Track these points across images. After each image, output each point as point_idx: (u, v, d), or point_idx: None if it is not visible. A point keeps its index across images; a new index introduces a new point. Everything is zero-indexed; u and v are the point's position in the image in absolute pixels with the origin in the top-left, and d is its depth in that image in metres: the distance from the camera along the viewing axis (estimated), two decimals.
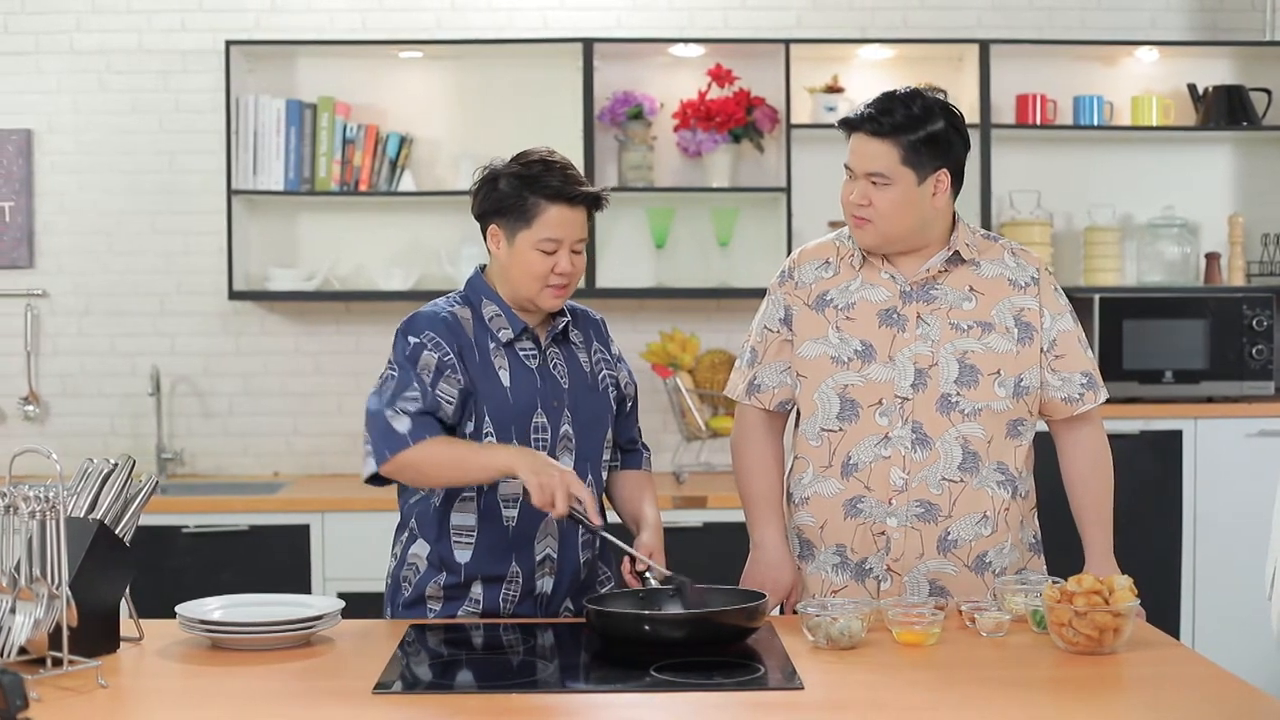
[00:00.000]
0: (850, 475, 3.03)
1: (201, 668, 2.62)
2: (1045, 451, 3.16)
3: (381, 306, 5.42)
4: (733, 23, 5.56)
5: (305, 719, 2.34)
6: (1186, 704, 2.38)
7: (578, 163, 5.21)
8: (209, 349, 5.52)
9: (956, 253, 3.06)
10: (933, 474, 3.00)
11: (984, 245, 3.12)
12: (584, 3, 5.54)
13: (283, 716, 2.35)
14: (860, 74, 5.48)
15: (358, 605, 4.42)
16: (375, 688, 2.46)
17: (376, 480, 2.96)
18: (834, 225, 4.88)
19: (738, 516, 3.27)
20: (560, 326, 3.09)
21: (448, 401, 2.94)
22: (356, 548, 4.82)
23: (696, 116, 5.39)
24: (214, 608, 2.82)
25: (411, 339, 2.97)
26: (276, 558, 4.87)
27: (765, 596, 2.81)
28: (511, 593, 3.03)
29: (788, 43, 5.34)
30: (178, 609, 2.78)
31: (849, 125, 3.03)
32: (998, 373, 3.01)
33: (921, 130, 2.97)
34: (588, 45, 5.32)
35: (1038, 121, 5.47)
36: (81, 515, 2.68)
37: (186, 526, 4.88)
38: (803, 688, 2.44)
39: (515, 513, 3.00)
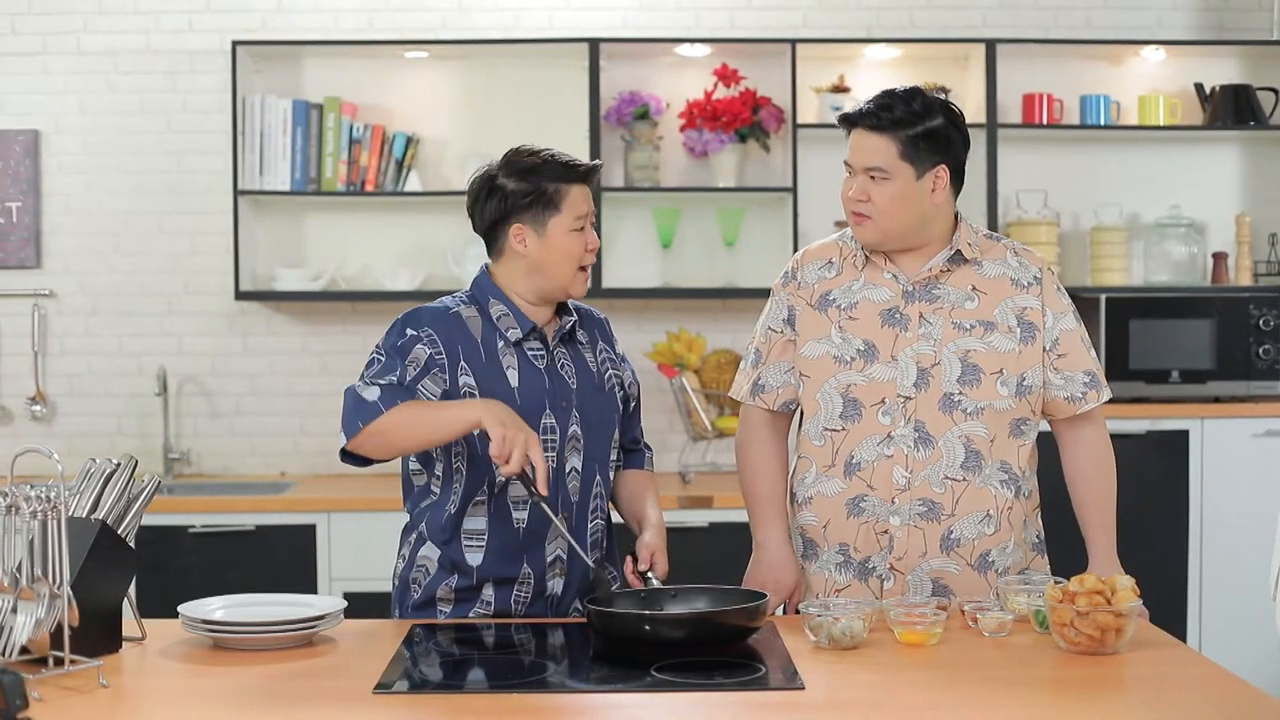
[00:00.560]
0: (853, 474, 3.03)
1: (203, 667, 2.62)
2: (1049, 451, 3.16)
3: (388, 306, 5.42)
4: (739, 22, 5.56)
5: (306, 719, 2.34)
6: (1188, 705, 2.37)
7: None
8: (216, 349, 5.53)
9: (959, 252, 3.06)
10: (935, 473, 3.00)
11: (986, 245, 3.12)
12: (590, 3, 5.54)
13: (284, 716, 2.35)
14: (866, 74, 5.48)
15: (364, 605, 4.43)
16: (376, 688, 2.46)
17: (356, 460, 2.94)
18: (840, 225, 4.88)
19: (743, 517, 3.27)
20: (567, 326, 3.09)
21: (429, 399, 2.94)
22: (363, 548, 4.83)
23: (703, 116, 5.39)
24: (216, 607, 2.82)
25: (409, 331, 2.97)
26: (283, 558, 4.88)
27: (766, 597, 2.80)
28: (523, 594, 3.03)
29: (794, 42, 5.33)
30: (180, 609, 2.79)
31: (848, 121, 3.05)
32: (1000, 372, 3.01)
33: (920, 126, 2.98)
34: (594, 45, 5.32)
35: (1044, 121, 5.46)
36: (84, 515, 2.69)
37: (193, 526, 4.88)
38: (804, 688, 2.44)
39: (525, 515, 3.00)
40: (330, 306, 5.51)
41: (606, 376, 3.13)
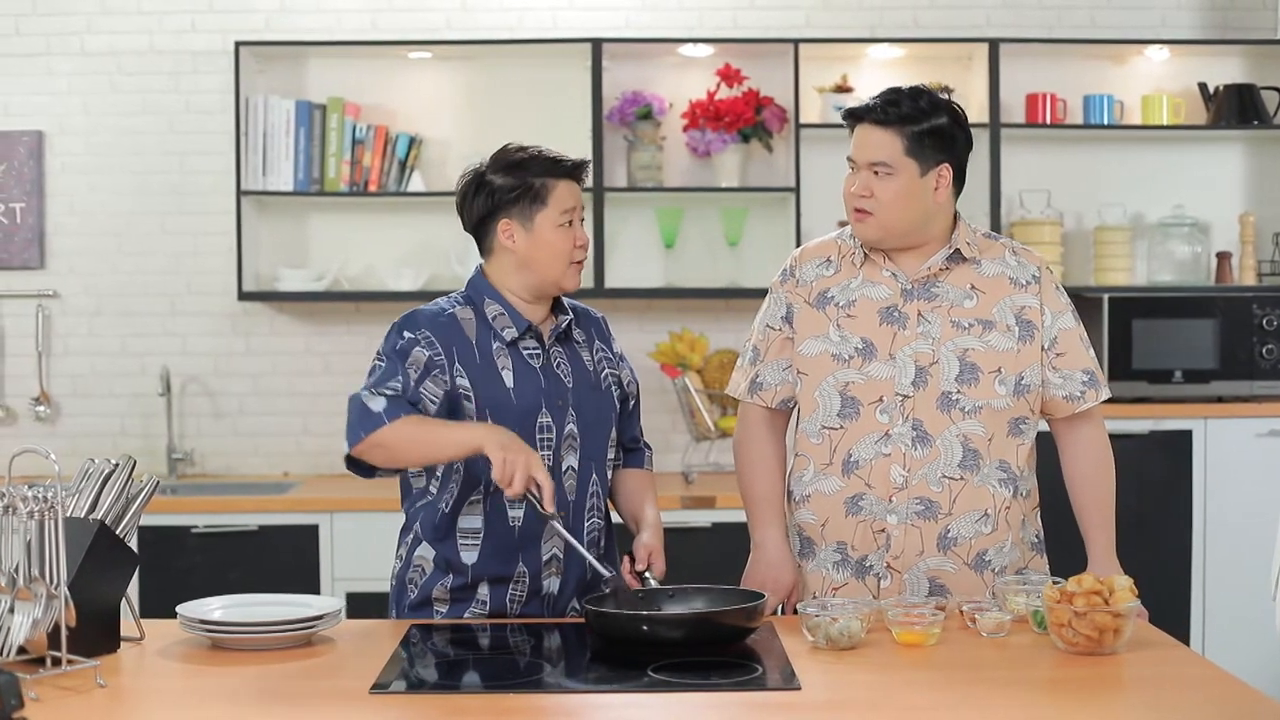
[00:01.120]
0: (851, 473, 3.03)
1: (201, 668, 2.62)
2: (1048, 451, 3.15)
3: (391, 307, 5.40)
4: (742, 22, 5.56)
5: (303, 719, 2.34)
6: (1187, 705, 2.36)
7: None
8: (219, 349, 5.54)
9: (957, 251, 3.06)
10: (933, 471, 2.99)
11: (985, 244, 3.12)
12: (593, 3, 5.54)
13: (281, 717, 2.35)
14: (869, 73, 5.47)
15: (366, 605, 4.45)
16: (373, 688, 2.46)
17: (360, 469, 2.96)
18: (843, 225, 4.87)
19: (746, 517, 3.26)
20: (563, 325, 3.09)
21: (431, 401, 2.94)
22: (365, 548, 4.83)
23: (705, 116, 5.38)
24: (215, 608, 2.82)
25: (406, 334, 2.98)
26: (285, 558, 4.88)
27: (764, 597, 2.80)
28: (518, 593, 3.03)
29: (797, 42, 5.33)
30: (178, 609, 2.79)
31: (854, 116, 3.05)
32: (998, 371, 3.01)
33: (926, 123, 2.99)
34: (597, 45, 5.32)
35: (1048, 121, 5.45)
36: (82, 515, 2.69)
37: (196, 527, 4.88)
38: (800, 688, 2.44)
39: (521, 514, 3.00)
40: (333, 307, 5.52)
41: (603, 375, 3.13)
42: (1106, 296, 5.21)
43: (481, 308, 3.04)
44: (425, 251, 5.48)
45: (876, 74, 5.46)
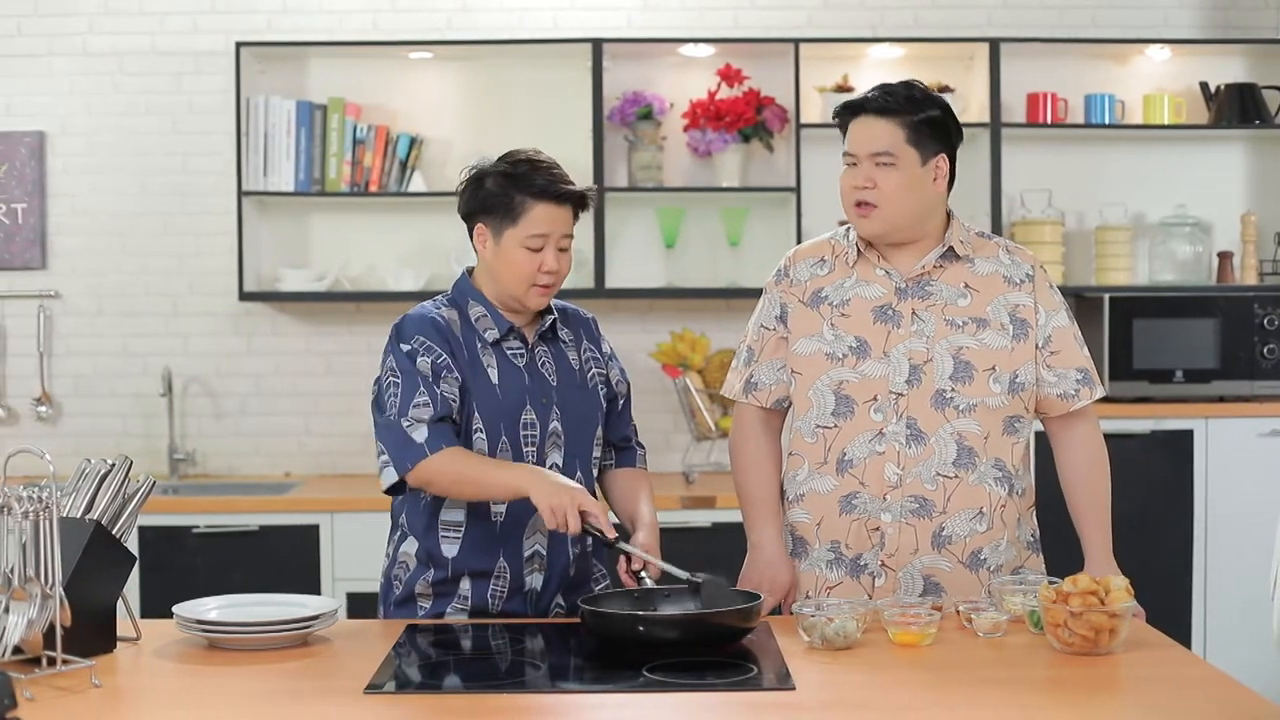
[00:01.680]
0: (845, 471, 3.03)
1: (197, 667, 2.63)
2: (1045, 450, 3.15)
3: (392, 307, 5.41)
4: (742, 22, 5.56)
5: (298, 719, 2.34)
6: (1183, 706, 2.36)
7: (587, 163, 5.27)
8: (220, 349, 5.54)
9: (951, 249, 3.06)
10: (927, 469, 2.99)
11: (978, 243, 3.12)
12: (594, 3, 5.54)
13: (276, 716, 2.35)
14: (870, 73, 5.46)
15: (367, 605, 4.45)
16: (367, 688, 2.46)
17: (397, 490, 2.98)
18: (843, 225, 4.86)
19: None
20: (547, 324, 3.10)
21: (453, 401, 2.96)
22: (366, 548, 4.80)
23: (706, 116, 5.38)
24: (211, 608, 2.83)
25: (404, 346, 2.99)
26: (286, 558, 4.89)
27: (761, 597, 2.80)
28: (499, 588, 3.03)
29: (797, 42, 5.33)
30: (175, 609, 2.79)
31: (851, 109, 3.06)
32: (992, 369, 3.01)
33: (923, 112, 3.02)
34: (597, 45, 5.32)
35: (1049, 120, 5.44)
36: (78, 516, 2.69)
37: (197, 527, 4.89)
38: (795, 688, 2.43)
39: (503, 508, 3.01)
40: (334, 307, 5.52)
41: (590, 374, 3.14)
42: (1107, 296, 5.21)
43: (465, 310, 3.06)
44: (426, 252, 5.48)
45: (877, 74, 5.43)
